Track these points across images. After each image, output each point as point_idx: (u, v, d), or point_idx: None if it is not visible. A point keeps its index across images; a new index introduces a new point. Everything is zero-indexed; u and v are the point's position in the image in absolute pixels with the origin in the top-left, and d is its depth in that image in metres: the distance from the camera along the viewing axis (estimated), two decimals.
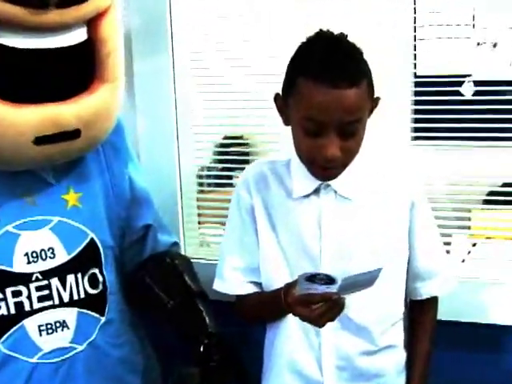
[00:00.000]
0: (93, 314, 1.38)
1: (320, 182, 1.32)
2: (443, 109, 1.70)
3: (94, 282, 1.38)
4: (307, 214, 1.34)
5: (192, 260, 1.69)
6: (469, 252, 1.75)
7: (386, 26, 1.66)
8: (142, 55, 1.76)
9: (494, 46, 1.63)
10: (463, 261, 1.74)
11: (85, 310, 1.37)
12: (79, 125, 1.24)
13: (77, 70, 1.26)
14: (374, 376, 1.37)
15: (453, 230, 1.73)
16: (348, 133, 1.21)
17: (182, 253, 1.84)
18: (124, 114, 1.76)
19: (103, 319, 1.40)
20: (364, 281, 1.18)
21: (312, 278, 1.17)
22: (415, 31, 1.70)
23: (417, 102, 1.75)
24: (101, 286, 1.40)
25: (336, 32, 1.23)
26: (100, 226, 1.40)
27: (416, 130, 1.79)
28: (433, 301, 1.45)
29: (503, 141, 1.69)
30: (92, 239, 1.38)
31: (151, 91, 1.80)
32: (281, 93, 1.28)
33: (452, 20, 1.66)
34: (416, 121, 1.78)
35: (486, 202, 1.78)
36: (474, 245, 1.76)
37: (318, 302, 1.17)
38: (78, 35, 1.24)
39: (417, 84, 1.74)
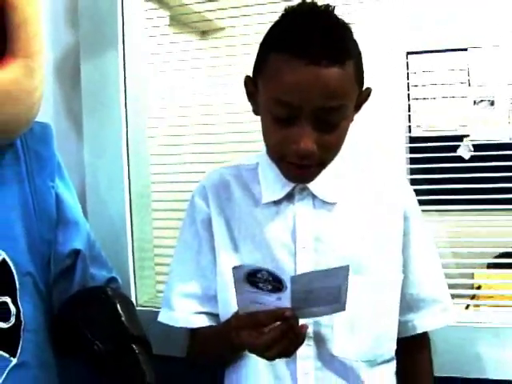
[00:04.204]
0: (0, 352, 1.13)
1: (294, 185, 1.10)
2: (440, 167, 1.53)
3: (3, 312, 1.14)
4: (278, 225, 1.10)
5: (146, 308, 1.48)
6: (473, 296, 1.51)
7: (379, 86, 1.51)
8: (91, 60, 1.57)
9: (492, 104, 1.53)
10: (467, 307, 1.50)
11: None
12: None
13: None
14: None
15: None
16: (327, 124, 1.00)
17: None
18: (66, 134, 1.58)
19: (14, 361, 1.14)
20: (328, 289, 0.89)
21: (252, 276, 0.87)
22: (408, 90, 1.59)
23: (412, 163, 1.58)
24: (13, 320, 1.15)
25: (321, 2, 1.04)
26: (15, 246, 1.17)
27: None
28: (425, 334, 1.19)
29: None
30: (4, 260, 1.15)
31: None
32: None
33: (446, 79, 1.58)
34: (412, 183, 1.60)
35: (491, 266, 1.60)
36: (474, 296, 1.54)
37: (266, 322, 0.91)
38: None
39: (412, 148, 1.58)
